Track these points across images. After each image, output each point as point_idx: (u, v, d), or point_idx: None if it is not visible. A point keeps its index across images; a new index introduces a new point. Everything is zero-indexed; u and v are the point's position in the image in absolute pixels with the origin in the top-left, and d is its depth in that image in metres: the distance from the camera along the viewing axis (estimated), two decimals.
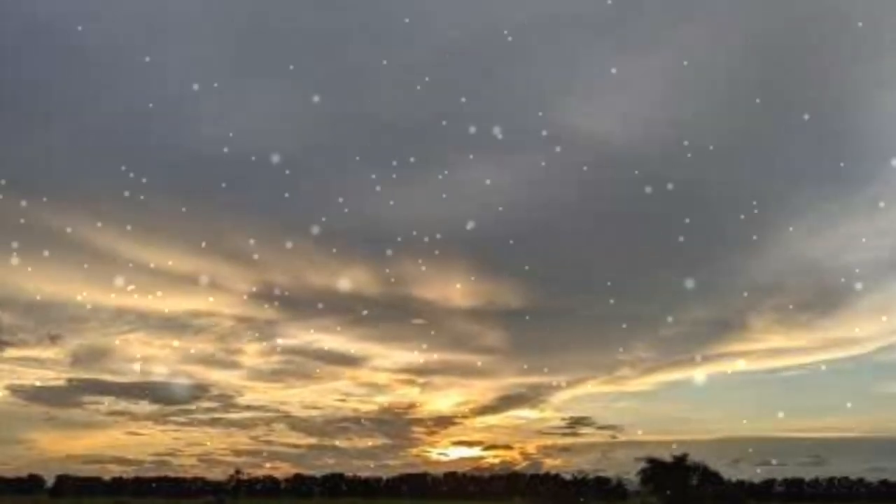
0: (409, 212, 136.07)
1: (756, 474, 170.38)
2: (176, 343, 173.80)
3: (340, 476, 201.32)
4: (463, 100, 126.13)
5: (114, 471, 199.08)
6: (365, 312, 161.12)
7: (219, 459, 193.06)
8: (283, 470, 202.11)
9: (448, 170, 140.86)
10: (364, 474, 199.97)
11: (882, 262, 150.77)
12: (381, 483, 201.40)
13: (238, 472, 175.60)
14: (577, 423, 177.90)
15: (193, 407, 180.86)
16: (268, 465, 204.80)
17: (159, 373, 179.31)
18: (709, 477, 76.64)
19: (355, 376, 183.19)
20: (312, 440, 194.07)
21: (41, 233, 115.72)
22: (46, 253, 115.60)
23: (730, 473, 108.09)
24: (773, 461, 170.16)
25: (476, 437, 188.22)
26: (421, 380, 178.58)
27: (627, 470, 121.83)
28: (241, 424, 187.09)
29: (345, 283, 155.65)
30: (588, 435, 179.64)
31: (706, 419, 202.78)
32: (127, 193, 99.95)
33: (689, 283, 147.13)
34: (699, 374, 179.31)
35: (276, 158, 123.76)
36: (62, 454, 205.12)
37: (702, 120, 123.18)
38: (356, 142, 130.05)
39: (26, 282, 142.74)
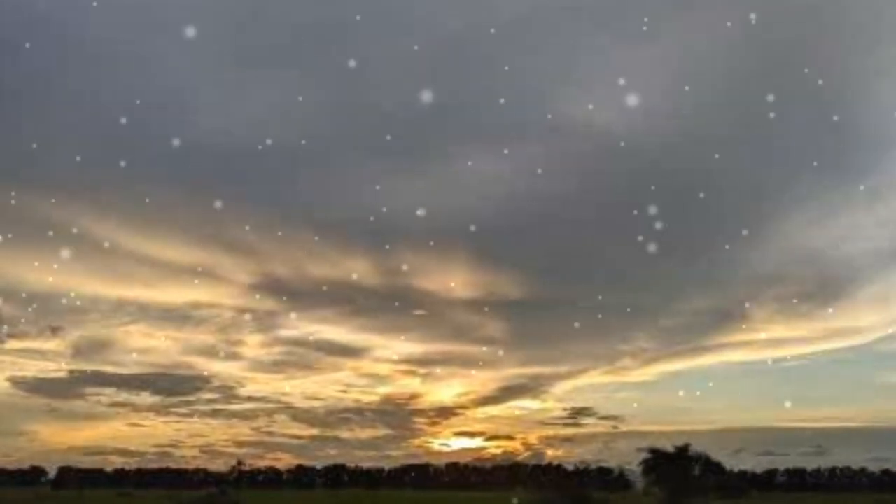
0: (410, 202, 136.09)
1: (758, 464, 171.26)
2: (177, 334, 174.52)
3: (342, 467, 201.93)
4: (463, 91, 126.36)
5: (116, 462, 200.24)
6: (366, 303, 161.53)
7: (220, 451, 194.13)
8: (284, 461, 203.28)
9: (448, 161, 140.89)
10: (366, 465, 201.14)
11: (883, 252, 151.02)
12: (383, 474, 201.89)
13: (240, 463, 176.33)
14: (578, 413, 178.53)
15: (195, 398, 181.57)
16: (269, 456, 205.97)
17: (161, 364, 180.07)
18: (711, 467, 76.48)
19: (357, 367, 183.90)
20: (314, 431, 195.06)
21: (42, 224, 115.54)
22: (47, 245, 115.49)
23: (732, 463, 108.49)
24: (775, 451, 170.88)
25: (478, 427, 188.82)
26: (422, 370, 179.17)
27: (629, 460, 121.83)
28: (243, 416, 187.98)
29: (345, 274, 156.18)
30: (590, 425, 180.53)
31: (708, 409, 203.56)
32: (127, 185, 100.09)
33: (691, 274, 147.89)
34: (700, 365, 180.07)
35: (276, 150, 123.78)
36: (64, 446, 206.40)
37: (702, 110, 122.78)
38: (356, 133, 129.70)
39: (27, 273, 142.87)
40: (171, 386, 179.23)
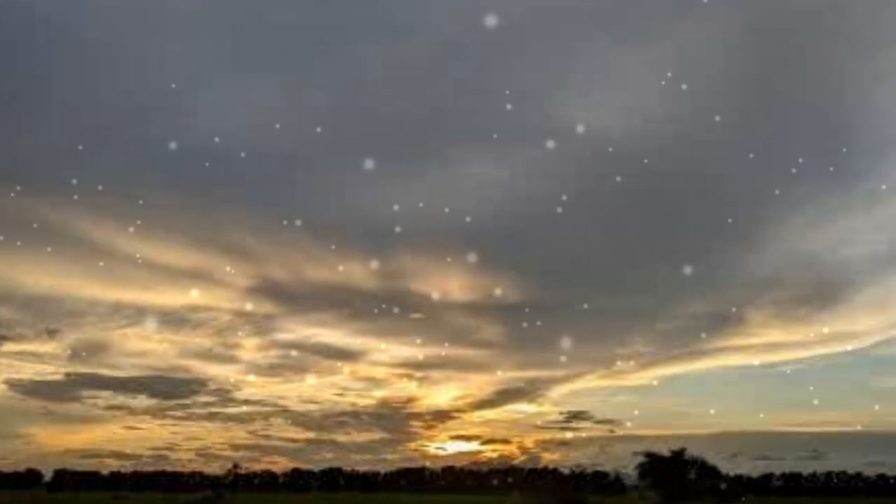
0: (407, 206, 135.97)
1: (754, 468, 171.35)
2: (174, 337, 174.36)
3: (338, 470, 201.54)
4: (461, 94, 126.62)
5: (112, 465, 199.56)
6: (363, 306, 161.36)
7: (217, 454, 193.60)
8: (281, 464, 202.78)
9: (446, 164, 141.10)
10: (362, 468, 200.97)
11: (880, 256, 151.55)
12: (379, 477, 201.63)
13: (236, 466, 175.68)
14: (575, 417, 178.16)
15: (191, 401, 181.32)
16: (266, 459, 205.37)
17: (157, 367, 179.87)
18: (707, 471, 76.75)
19: (353, 370, 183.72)
20: (310, 434, 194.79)
21: (39, 227, 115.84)
22: (45, 247, 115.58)
23: (728, 467, 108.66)
24: (771, 455, 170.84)
25: (474, 431, 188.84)
26: (419, 374, 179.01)
27: (625, 464, 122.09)
28: (239, 419, 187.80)
29: (343, 278, 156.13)
30: (586, 429, 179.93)
31: (704, 413, 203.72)
32: (125, 188, 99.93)
33: (688, 278, 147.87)
34: (697, 369, 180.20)
35: (273, 153, 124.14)
36: (60, 448, 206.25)
37: (699, 114, 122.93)
38: (354, 136, 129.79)
39: (25, 276, 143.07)
40: (168, 389, 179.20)
